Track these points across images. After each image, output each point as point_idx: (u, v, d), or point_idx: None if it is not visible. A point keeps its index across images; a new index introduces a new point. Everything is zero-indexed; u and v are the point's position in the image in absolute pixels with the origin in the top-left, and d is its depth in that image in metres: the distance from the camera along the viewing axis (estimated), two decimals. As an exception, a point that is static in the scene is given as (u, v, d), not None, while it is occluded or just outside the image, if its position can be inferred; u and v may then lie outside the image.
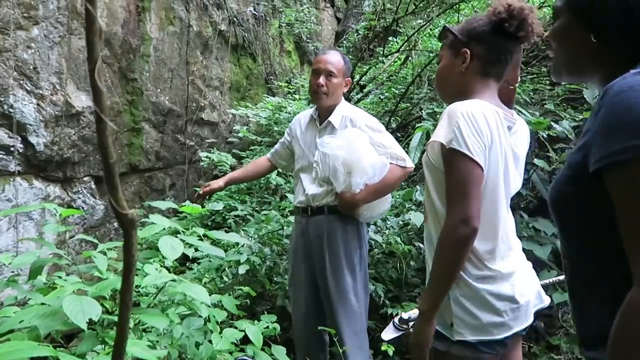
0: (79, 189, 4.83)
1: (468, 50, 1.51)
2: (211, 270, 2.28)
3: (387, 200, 2.27)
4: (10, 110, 3.98)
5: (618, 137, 0.80)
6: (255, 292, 2.32)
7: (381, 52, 4.25)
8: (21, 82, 3.99)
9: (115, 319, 1.42)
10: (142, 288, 1.75)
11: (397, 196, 2.83)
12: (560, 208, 0.98)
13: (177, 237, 1.72)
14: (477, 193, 1.35)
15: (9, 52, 3.82)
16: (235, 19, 5.63)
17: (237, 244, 2.46)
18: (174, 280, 1.72)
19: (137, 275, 1.73)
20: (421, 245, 2.44)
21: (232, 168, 4.52)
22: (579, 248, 0.97)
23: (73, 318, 1.30)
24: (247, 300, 2.32)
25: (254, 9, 5.88)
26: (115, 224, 5.44)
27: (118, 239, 5.52)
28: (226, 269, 2.29)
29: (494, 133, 1.40)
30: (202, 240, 1.82)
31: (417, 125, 3.01)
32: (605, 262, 0.91)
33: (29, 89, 4.05)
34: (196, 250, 1.76)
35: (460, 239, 1.33)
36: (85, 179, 4.83)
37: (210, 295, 1.93)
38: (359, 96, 4.21)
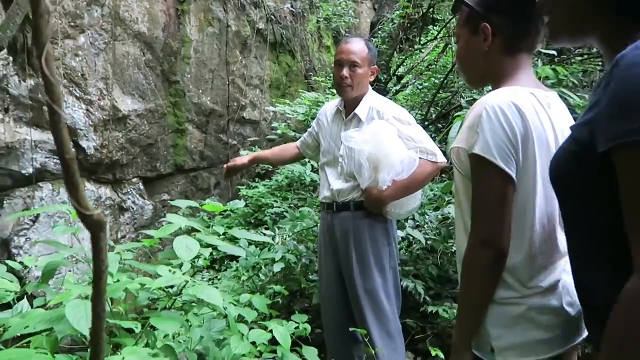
0: (129, 190, 5.00)
1: (488, 25, 1.24)
2: (248, 268, 2.26)
3: (417, 197, 2.14)
4: (62, 116, 4.16)
5: (632, 116, 0.73)
6: (289, 291, 2.28)
7: (418, 41, 4.12)
8: (70, 89, 4.17)
9: (126, 323, 1.42)
10: (166, 289, 1.72)
11: (436, 189, 2.70)
12: (563, 184, 0.94)
13: (195, 236, 1.65)
14: (505, 209, 1.13)
15: (58, 61, 3.99)
16: (272, 17, 5.65)
17: (273, 240, 2.43)
18: (187, 282, 1.63)
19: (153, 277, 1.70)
20: None
21: (273, 165, 4.54)
22: (579, 224, 0.93)
23: (75, 324, 1.23)
24: (280, 300, 2.27)
25: (291, 6, 5.88)
26: (164, 223, 5.61)
27: (167, 237, 5.68)
28: (262, 266, 2.26)
29: (529, 128, 1.14)
30: (223, 238, 1.77)
31: (456, 114, 2.90)
32: (602, 241, 0.87)
33: (78, 95, 4.23)
34: (214, 249, 1.72)
35: (484, 264, 1.13)
36: (134, 180, 5.00)
37: (241, 294, 1.90)
38: (396, 88, 4.09)
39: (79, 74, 4.19)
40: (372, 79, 2.21)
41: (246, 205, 4.52)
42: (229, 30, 5.36)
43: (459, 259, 1.27)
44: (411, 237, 2.31)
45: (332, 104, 2.35)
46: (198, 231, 1.70)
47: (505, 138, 1.12)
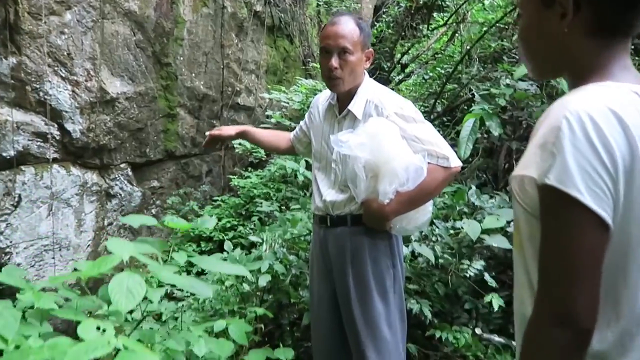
0: (116, 176, 4.81)
1: None
2: (227, 282, 2.02)
3: (428, 210, 1.79)
4: (46, 97, 3.95)
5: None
6: (277, 303, 2.06)
7: (425, 28, 3.91)
8: (55, 68, 3.95)
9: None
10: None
11: (446, 196, 2.38)
12: None
13: (143, 272, 1.28)
14: (592, 271, 0.77)
15: (43, 38, 3.77)
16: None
17: (263, 242, 2.19)
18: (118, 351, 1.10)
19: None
20: (479, 265, 1.97)
21: (268, 155, 4.36)
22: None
23: None
24: (262, 326, 2.00)
25: (291, -12, 5.66)
26: (153, 211, 5.44)
27: (156, 226, 5.51)
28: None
29: (636, 148, 0.77)
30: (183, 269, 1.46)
31: (468, 111, 2.69)
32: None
33: (63, 75, 4.01)
34: (172, 287, 1.45)
35: (558, 348, 0.77)
36: (122, 165, 4.81)
37: (219, 310, 1.67)
38: (400, 77, 3.90)
39: (65, 53, 3.97)
40: (367, 65, 1.84)
41: (238, 196, 4.35)
42: (224, 11, 5.13)
43: (519, 324, 0.91)
44: (416, 252, 2.03)
45: (325, 95, 1.98)
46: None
47: (598, 164, 0.75)
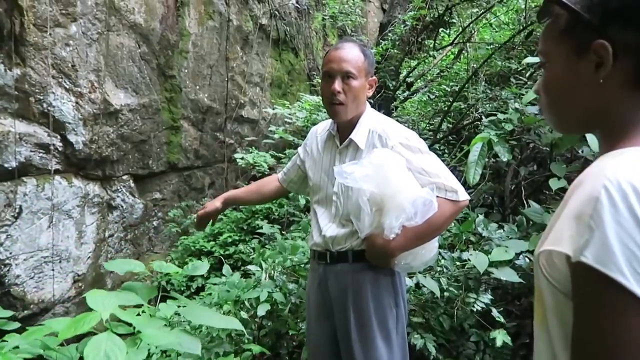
0: (118, 188, 4.78)
1: (607, 43, 0.76)
2: (229, 302, 1.95)
3: (434, 246, 1.69)
4: (50, 108, 3.94)
5: None
6: (276, 333, 1.99)
7: (431, 45, 3.87)
8: (60, 80, 3.94)
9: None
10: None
11: (453, 224, 2.24)
12: None
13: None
14: None
15: (47, 50, 3.76)
16: (276, 13, 5.43)
17: (261, 269, 2.11)
18: None
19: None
20: (486, 299, 1.90)
21: (271, 168, 4.32)
22: None
23: None
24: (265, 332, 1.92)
25: (297, 2, 5.66)
26: (155, 223, 5.41)
27: (157, 237, 5.47)
28: (245, 301, 1.93)
29: None
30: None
31: (474, 131, 2.64)
32: None
33: (67, 87, 4.00)
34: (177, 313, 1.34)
35: None
36: (124, 177, 4.78)
37: (216, 339, 1.60)
38: (405, 94, 3.85)
39: (69, 65, 3.96)
40: (370, 93, 1.77)
41: (240, 210, 4.30)
42: (230, 24, 5.13)
43: None
44: (421, 283, 1.93)
45: (324, 125, 1.88)
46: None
47: None
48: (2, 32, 3.62)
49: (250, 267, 2.11)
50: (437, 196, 1.58)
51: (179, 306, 1.33)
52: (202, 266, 1.54)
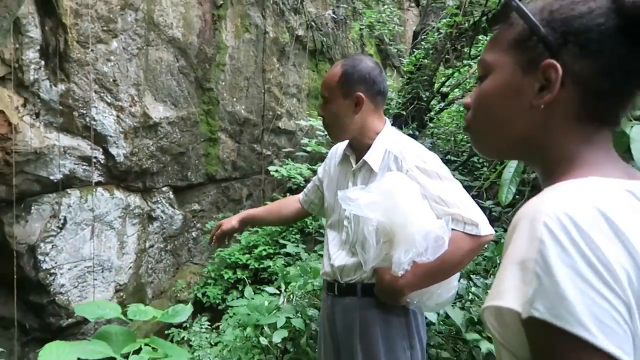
0: (158, 199, 4.87)
1: (558, 65, 0.66)
2: (249, 329, 1.85)
3: (452, 285, 1.50)
4: (92, 122, 4.06)
5: None
6: None
7: (468, 54, 3.70)
8: (102, 94, 4.06)
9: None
10: None
11: (487, 246, 2.02)
12: None
13: None
14: None
15: (90, 66, 3.88)
16: (313, 23, 5.42)
17: (280, 293, 2.00)
18: None
19: None
20: None
21: (307, 180, 4.27)
22: None
23: None
24: None
25: (333, 12, 5.63)
26: (194, 234, 5.47)
27: (196, 248, 5.53)
28: (265, 327, 1.82)
29: (637, 258, 0.56)
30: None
31: None
32: None
33: (109, 101, 4.12)
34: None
35: None
36: (164, 189, 4.87)
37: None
38: (441, 105, 3.70)
39: (111, 80, 4.07)
40: (358, 110, 1.59)
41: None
42: (266, 36, 5.16)
43: None
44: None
45: (343, 145, 1.73)
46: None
47: (601, 285, 0.53)
48: (47, 50, 3.77)
49: (268, 289, 2.01)
50: (455, 229, 1.40)
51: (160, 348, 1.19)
52: (183, 312, 1.40)
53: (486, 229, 1.42)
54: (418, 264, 1.37)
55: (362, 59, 1.62)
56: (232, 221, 1.82)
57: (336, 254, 1.56)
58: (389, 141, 1.56)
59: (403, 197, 1.37)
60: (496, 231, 2.38)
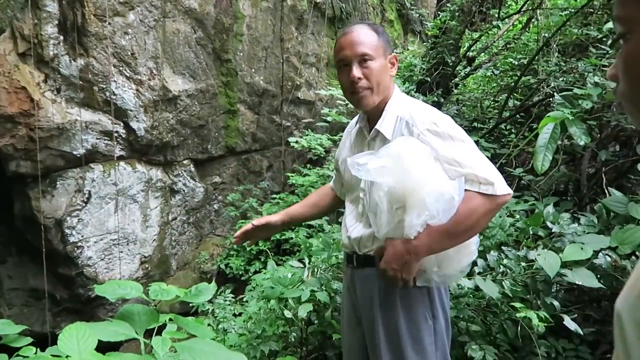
0: (180, 172, 4.90)
1: None
2: (272, 302, 1.84)
3: (470, 250, 1.44)
4: (112, 96, 4.06)
5: None
6: (321, 333, 1.85)
7: (496, 15, 3.53)
8: (120, 68, 4.04)
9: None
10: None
11: (517, 216, 1.98)
12: None
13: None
14: None
15: (108, 39, 3.85)
16: (332, -11, 5.25)
17: (303, 266, 1.96)
18: None
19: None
20: (554, 302, 1.62)
21: (327, 151, 4.21)
22: None
23: None
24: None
25: (353, -23, 5.44)
26: (215, 206, 5.51)
27: (218, 220, 5.58)
28: (289, 299, 1.80)
29: None
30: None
31: (546, 109, 2.34)
32: None
33: (128, 75, 4.10)
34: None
35: None
36: (185, 162, 4.88)
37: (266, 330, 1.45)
38: (467, 70, 3.57)
39: (129, 53, 4.04)
40: (393, 72, 1.56)
41: (296, 194, 4.25)
42: (284, 4, 5.02)
43: None
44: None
45: (355, 120, 1.69)
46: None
47: None
48: (65, 24, 3.74)
49: (292, 263, 2.00)
50: (469, 190, 1.35)
51: (179, 340, 1.16)
52: (207, 291, 1.37)
53: (503, 188, 1.36)
54: (432, 226, 1.33)
55: (372, 23, 1.59)
56: (271, 218, 1.72)
57: (353, 226, 1.53)
58: (399, 107, 1.52)
59: (412, 160, 1.33)
60: (526, 201, 2.30)
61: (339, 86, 1.85)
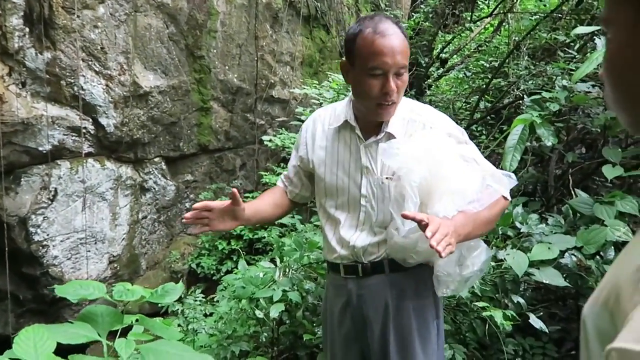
0: (150, 170, 4.80)
1: None
2: (244, 302, 1.82)
3: (484, 251, 1.41)
4: (80, 91, 3.94)
5: None
6: (292, 333, 1.86)
7: (469, 18, 3.58)
8: (89, 62, 3.93)
9: None
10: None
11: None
12: None
13: None
14: None
15: (76, 33, 3.74)
16: (307, -12, 5.24)
17: (275, 266, 1.95)
18: None
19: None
20: (520, 301, 1.68)
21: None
22: None
23: None
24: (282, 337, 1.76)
25: (328, -24, 5.44)
26: (187, 204, 5.42)
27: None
28: (260, 299, 1.78)
29: None
30: None
31: (515, 111, 2.40)
32: None
33: (97, 69, 3.99)
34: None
35: None
36: (156, 159, 4.79)
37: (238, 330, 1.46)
38: (439, 72, 3.60)
39: (98, 47, 3.94)
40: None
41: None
42: (259, 2, 4.98)
43: None
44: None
45: (327, 113, 1.57)
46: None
47: None
48: (32, 16, 3.61)
49: (264, 263, 1.98)
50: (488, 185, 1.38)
51: (145, 341, 1.12)
52: (173, 291, 1.31)
53: (508, 193, 1.41)
54: (467, 211, 1.32)
55: (397, 21, 1.50)
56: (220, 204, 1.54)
57: (355, 236, 1.46)
58: (406, 109, 1.49)
59: (443, 153, 1.34)
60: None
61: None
